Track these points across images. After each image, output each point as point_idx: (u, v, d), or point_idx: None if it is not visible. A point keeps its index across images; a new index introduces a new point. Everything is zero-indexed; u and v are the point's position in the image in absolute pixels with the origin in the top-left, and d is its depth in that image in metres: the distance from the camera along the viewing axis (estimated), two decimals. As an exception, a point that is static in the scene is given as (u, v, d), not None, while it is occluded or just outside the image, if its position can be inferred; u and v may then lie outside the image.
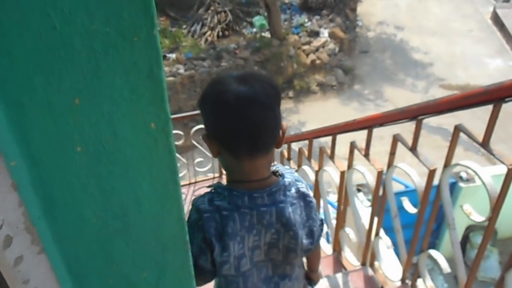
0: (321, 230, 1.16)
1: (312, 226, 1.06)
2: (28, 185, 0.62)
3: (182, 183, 4.48)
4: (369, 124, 1.86)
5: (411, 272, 1.92)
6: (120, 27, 0.55)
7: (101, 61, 0.57)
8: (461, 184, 4.86)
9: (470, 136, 1.32)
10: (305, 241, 1.03)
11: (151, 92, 0.62)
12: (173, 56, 9.31)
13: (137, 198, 0.70)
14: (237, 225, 0.98)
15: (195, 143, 4.17)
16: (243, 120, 0.90)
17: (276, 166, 1.08)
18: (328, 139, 2.25)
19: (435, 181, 1.60)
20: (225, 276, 1.04)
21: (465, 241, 5.31)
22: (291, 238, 1.01)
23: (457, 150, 1.44)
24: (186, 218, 0.79)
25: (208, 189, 1.05)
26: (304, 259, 1.25)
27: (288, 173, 1.06)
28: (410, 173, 1.67)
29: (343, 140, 2.24)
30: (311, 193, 1.08)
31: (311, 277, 1.29)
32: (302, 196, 1.04)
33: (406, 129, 1.73)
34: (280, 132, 0.99)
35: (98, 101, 0.60)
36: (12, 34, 0.52)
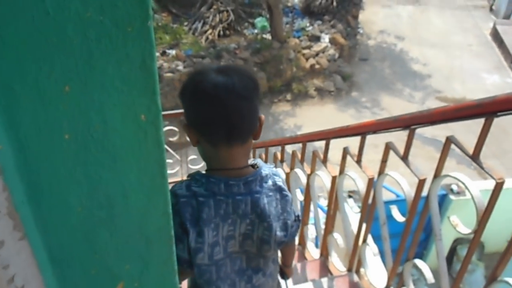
0: (297, 226, 1.17)
1: (286, 219, 1.07)
2: (13, 170, 0.61)
3: (174, 179, 4.47)
4: (362, 131, 1.87)
5: (397, 281, 1.93)
6: (114, 16, 0.55)
7: (93, 50, 0.56)
8: (452, 197, 4.88)
9: (461, 148, 1.33)
10: (279, 233, 1.04)
11: (142, 83, 0.62)
12: (173, 52, 9.30)
13: (124, 189, 0.70)
14: (212, 211, 0.99)
15: (189, 140, 4.16)
16: (221, 109, 0.93)
17: (255, 160, 1.10)
18: (322, 144, 2.26)
19: (426, 192, 1.61)
20: (198, 265, 1.03)
21: (452, 253, 5.33)
22: (265, 229, 1.03)
23: (449, 163, 1.45)
24: None
25: (190, 175, 1.06)
26: (279, 254, 1.26)
27: (267, 167, 1.08)
28: (400, 182, 1.68)
29: (337, 146, 2.24)
30: (285, 187, 1.09)
31: (284, 271, 1.32)
32: (279, 189, 1.06)
33: (400, 138, 1.74)
34: (258, 123, 1.02)
35: (89, 90, 0.59)
36: (4, 18, 0.52)
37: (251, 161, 1.09)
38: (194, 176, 1.04)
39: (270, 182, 1.05)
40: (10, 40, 0.53)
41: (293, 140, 2.87)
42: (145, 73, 0.61)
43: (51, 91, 0.58)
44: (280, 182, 1.07)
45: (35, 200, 0.66)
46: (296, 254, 2.78)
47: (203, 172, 1.06)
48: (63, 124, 0.61)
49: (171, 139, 4.02)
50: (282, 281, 1.33)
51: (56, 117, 0.60)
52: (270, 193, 1.04)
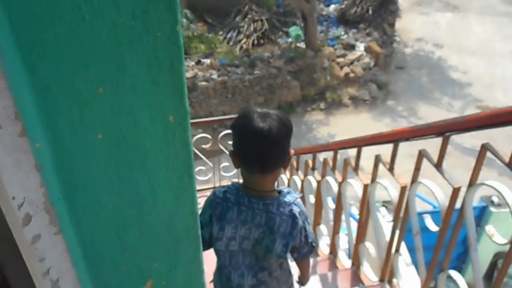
0: (309, 250, 1.40)
1: (290, 240, 1.30)
2: (50, 167, 0.65)
3: (206, 186, 4.52)
4: (395, 138, 1.84)
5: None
6: (145, 21, 0.58)
7: (125, 53, 0.59)
8: (492, 209, 4.70)
9: (496, 155, 1.29)
10: (279, 248, 1.29)
11: (171, 86, 0.64)
12: (207, 61, 9.46)
13: (153, 188, 0.73)
14: (234, 215, 1.30)
15: (222, 148, 4.21)
16: (257, 150, 1.20)
17: (286, 188, 1.36)
18: (355, 153, 2.24)
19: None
20: (217, 250, 1.35)
21: (493, 268, 5.11)
22: (271, 241, 1.29)
23: (490, 174, 1.41)
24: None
25: (229, 183, 1.41)
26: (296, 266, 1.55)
27: (292, 196, 1.33)
28: (434, 190, 1.64)
29: (371, 155, 2.22)
30: (301, 217, 1.32)
31: (301, 280, 1.60)
32: (293, 216, 1.29)
33: (438, 148, 1.70)
34: (286, 158, 1.26)
35: (120, 91, 0.62)
36: (44, 23, 0.55)
37: (282, 187, 1.35)
38: (232, 185, 1.35)
39: (287, 209, 1.29)
40: (49, 44, 0.56)
41: (325, 148, 2.86)
42: (174, 76, 0.64)
43: (86, 93, 0.61)
44: (296, 212, 1.30)
45: (70, 197, 0.70)
46: (327, 262, 2.75)
47: (239, 184, 1.35)
48: (97, 125, 0.64)
49: (204, 146, 4.07)
50: (297, 286, 1.58)
51: (90, 118, 0.63)
52: (284, 217, 1.28)
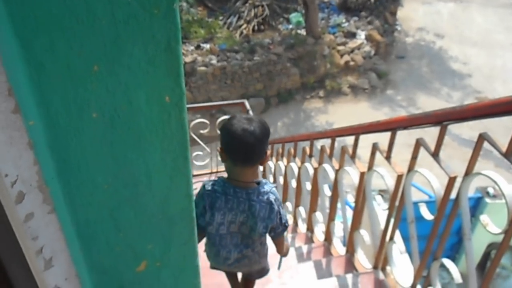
0: (283, 230, 1.65)
1: (268, 222, 1.57)
2: (44, 145, 0.64)
3: (204, 171, 4.52)
4: (392, 126, 1.84)
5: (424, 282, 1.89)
6: (141, -2, 0.56)
7: (121, 30, 0.58)
8: (487, 200, 4.71)
9: (493, 145, 1.28)
10: (260, 229, 1.57)
11: (167, 65, 0.63)
12: (207, 46, 9.39)
13: (147, 169, 0.72)
14: (222, 204, 1.55)
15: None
16: (243, 145, 1.46)
17: (262, 180, 1.62)
18: (352, 141, 2.23)
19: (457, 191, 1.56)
20: (208, 233, 1.63)
21: (486, 258, 5.16)
22: (254, 223, 1.56)
23: (487, 165, 1.41)
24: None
25: (216, 178, 1.63)
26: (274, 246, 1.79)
27: (268, 186, 1.59)
28: (430, 179, 1.64)
29: (367, 144, 2.21)
30: (276, 203, 1.58)
31: (278, 252, 1.83)
32: (270, 203, 1.56)
33: (435, 138, 1.69)
34: (264, 156, 1.54)
35: (116, 70, 0.61)
36: (38, -3, 0.54)
37: (260, 179, 1.60)
38: (218, 179, 1.60)
39: (265, 197, 1.55)
40: (43, 19, 0.55)
41: (323, 135, 2.85)
42: (170, 55, 0.63)
43: (80, 70, 0.60)
44: (272, 199, 1.56)
45: (64, 176, 0.69)
46: (322, 249, 2.77)
47: (224, 177, 1.59)
48: (91, 103, 0.63)
49: (202, 131, 4.06)
50: (278, 257, 1.89)
51: (85, 96, 0.62)
52: (263, 204, 1.55)
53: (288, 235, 3.24)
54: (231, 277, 2.02)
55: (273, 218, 1.57)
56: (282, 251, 1.80)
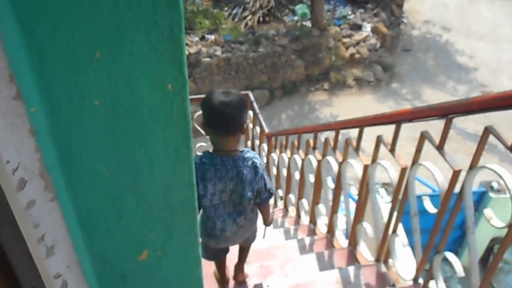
0: (268, 196, 1.79)
1: (254, 185, 1.71)
2: (46, 132, 0.64)
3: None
4: (397, 119, 1.82)
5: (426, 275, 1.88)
6: (144, -17, 0.56)
7: (123, 17, 0.58)
8: (491, 194, 4.70)
9: (498, 138, 1.27)
10: (249, 193, 1.70)
11: (170, 53, 0.62)
12: (211, 37, 9.34)
13: (149, 158, 0.72)
14: (212, 174, 1.67)
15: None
16: (222, 116, 1.59)
17: (244, 148, 1.76)
18: (356, 134, 2.22)
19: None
20: (204, 206, 1.74)
21: (489, 253, 5.16)
22: (243, 188, 1.69)
23: (491, 159, 1.39)
24: None
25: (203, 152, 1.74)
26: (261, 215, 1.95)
27: (250, 153, 1.73)
28: (434, 172, 1.63)
29: (371, 137, 2.20)
30: (261, 167, 1.73)
31: (264, 222, 1.97)
32: (254, 167, 1.70)
33: (440, 133, 1.68)
34: (244, 125, 1.68)
35: (118, 57, 0.61)
36: (40, -18, 0.53)
37: (242, 149, 1.74)
38: (205, 153, 1.72)
39: (250, 162, 1.69)
40: (45, 5, 0.55)
41: (326, 127, 2.84)
42: (173, 43, 0.62)
43: (82, 57, 0.59)
44: (257, 163, 1.70)
45: (65, 164, 0.69)
46: (325, 241, 2.77)
47: (210, 150, 1.71)
48: (93, 90, 0.63)
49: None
50: (263, 228, 2.04)
51: (87, 83, 0.62)
52: (248, 168, 1.68)
53: (290, 227, 3.24)
54: (220, 264, 2.18)
55: (258, 181, 1.72)
56: (268, 220, 1.95)
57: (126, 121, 0.67)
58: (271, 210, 2.10)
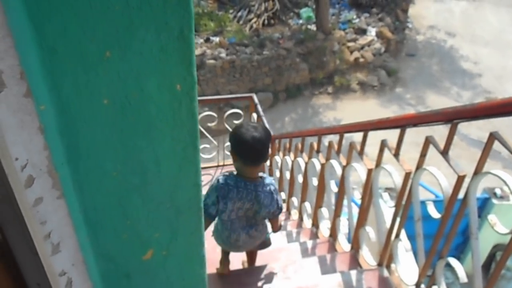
0: (279, 213, 2.02)
1: (270, 208, 1.94)
2: (55, 130, 0.65)
3: (210, 164, 4.53)
4: (402, 123, 1.82)
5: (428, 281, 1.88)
6: (155, -17, 0.56)
7: (134, 17, 0.58)
8: (494, 201, 4.68)
9: (504, 144, 1.27)
10: (264, 213, 1.94)
11: (180, 53, 0.63)
12: (216, 39, 9.37)
13: (156, 157, 0.72)
14: (234, 195, 1.88)
15: (228, 127, 4.19)
16: (253, 151, 1.80)
17: (264, 174, 1.98)
18: (360, 139, 2.22)
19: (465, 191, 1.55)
20: (222, 220, 1.98)
21: (491, 259, 5.13)
22: (259, 208, 1.91)
23: (495, 166, 1.39)
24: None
25: (227, 173, 1.95)
26: (270, 225, 2.17)
27: (269, 180, 1.97)
28: (438, 177, 1.63)
29: (374, 142, 2.20)
30: (275, 192, 1.96)
31: (273, 230, 2.18)
32: (270, 193, 1.93)
33: (444, 138, 1.68)
34: (268, 156, 1.89)
35: (128, 56, 0.61)
36: (53, -19, 0.54)
37: (261, 174, 1.96)
38: (230, 174, 1.92)
39: (267, 188, 1.92)
40: (57, 3, 0.55)
41: (331, 131, 2.84)
42: (183, 43, 0.62)
43: (92, 56, 0.60)
44: (272, 190, 1.94)
45: (73, 162, 0.70)
46: (327, 245, 2.76)
47: (234, 173, 1.93)
48: (102, 89, 0.63)
49: (209, 124, 4.06)
50: (271, 234, 2.28)
51: (96, 82, 0.62)
52: (266, 193, 1.91)
53: (293, 230, 3.24)
54: (225, 257, 2.39)
55: (273, 205, 1.96)
56: (276, 228, 2.18)
57: (134, 120, 0.67)
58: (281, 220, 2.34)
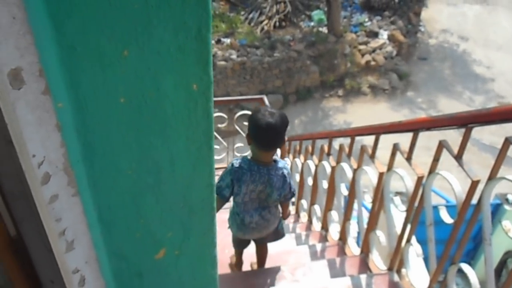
0: (291, 196, 2.10)
1: (281, 191, 2.01)
2: (72, 128, 0.65)
3: (219, 165, 4.53)
4: (415, 127, 1.80)
5: (439, 287, 1.86)
6: (174, -17, 0.56)
7: (152, 16, 0.58)
8: (507, 207, 4.62)
9: (520, 149, 1.25)
10: (276, 196, 2.00)
11: (197, 53, 0.63)
12: (227, 41, 9.39)
13: (171, 156, 0.72)
14: (248, 178, 1.95)
15: (238, 128, 4.20)
16: (267, 136, 1.86)
17: (277, 158, 2.04)
18: (371, 142, 2.21)
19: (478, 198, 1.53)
20: (236, 202, 2.05)
21: (502, 266, 5.06)
22: (271, 191, 1.98)
23: (508, 171, 1.37)
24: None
25: (240, 157, 2.05)
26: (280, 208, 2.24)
27: (282, 163, 2.02)
28: (452, 182, 1.61)
29: (386, 145, 2.18)
30: (288, 176, 2.02)
31: (283, 216, 2.27)
32: (283, 176, 1.99)
33: (456, 143, 1.66)
34: (283, 142, 1.94)
35: (145, 55, 0.61)
36: (73, -21, 0.54)
37: (275, 158, 2.02)
38: (244, 158, 2.00)
39: (280, 172, 1.98)
40: (77, 2, 0.55)
41: (342, 134, 2.83)
42: (200, 43, 0.62)
43: (110, 54, 0.60)
44: (285, 173, 2.00)
45: (89, 160, 0.70)
46: (336, 248, 2.75)
47: (248, 157, 2.00)
48: (119, 88, 0.63)
49: (219, 125, 4.07)
50: (282, 220, 2.32)
51: (113, 80, 0.62)
52: (279, 177, 1.98)
53: (302, 232, 3.23)
54: (239, 254, 2.50)
55: (286, 188, 2.02)
56: (286, 214, 2.25)
57: (150, 119, 0.67)
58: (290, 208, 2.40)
